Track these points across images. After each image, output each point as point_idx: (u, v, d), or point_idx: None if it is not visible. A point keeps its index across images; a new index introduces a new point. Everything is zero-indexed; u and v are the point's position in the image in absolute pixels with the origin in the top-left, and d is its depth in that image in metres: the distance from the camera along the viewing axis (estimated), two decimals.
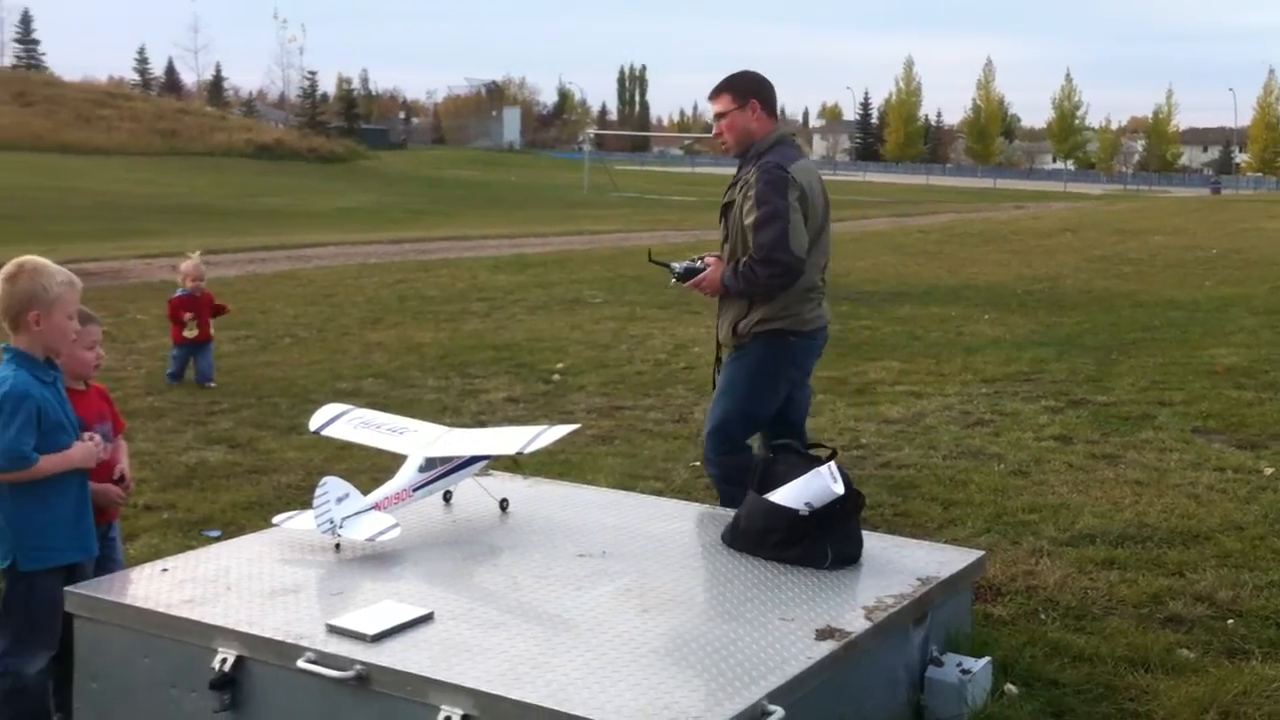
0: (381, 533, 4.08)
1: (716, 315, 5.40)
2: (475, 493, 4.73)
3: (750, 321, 5.18)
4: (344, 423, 4.84)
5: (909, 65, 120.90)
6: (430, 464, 4.48)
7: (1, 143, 52.31)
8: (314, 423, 4.89)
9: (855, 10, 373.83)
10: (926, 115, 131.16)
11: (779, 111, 5.49)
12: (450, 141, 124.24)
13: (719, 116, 5.32)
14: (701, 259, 5.35)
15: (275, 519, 4.40)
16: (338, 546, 4.13)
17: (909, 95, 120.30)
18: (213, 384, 9.82)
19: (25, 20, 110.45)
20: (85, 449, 3.92)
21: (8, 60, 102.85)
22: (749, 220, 5.07)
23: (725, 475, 5.24)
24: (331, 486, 4.12)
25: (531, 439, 4.40)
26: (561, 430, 4.54)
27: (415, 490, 4.42)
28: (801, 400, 5.49)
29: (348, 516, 4.09)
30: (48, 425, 3.83)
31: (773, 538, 4.16)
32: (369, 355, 11.58)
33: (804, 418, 5.56)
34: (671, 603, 3.79)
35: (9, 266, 3.87)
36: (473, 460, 4.63)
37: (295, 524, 4.27)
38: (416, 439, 4.63)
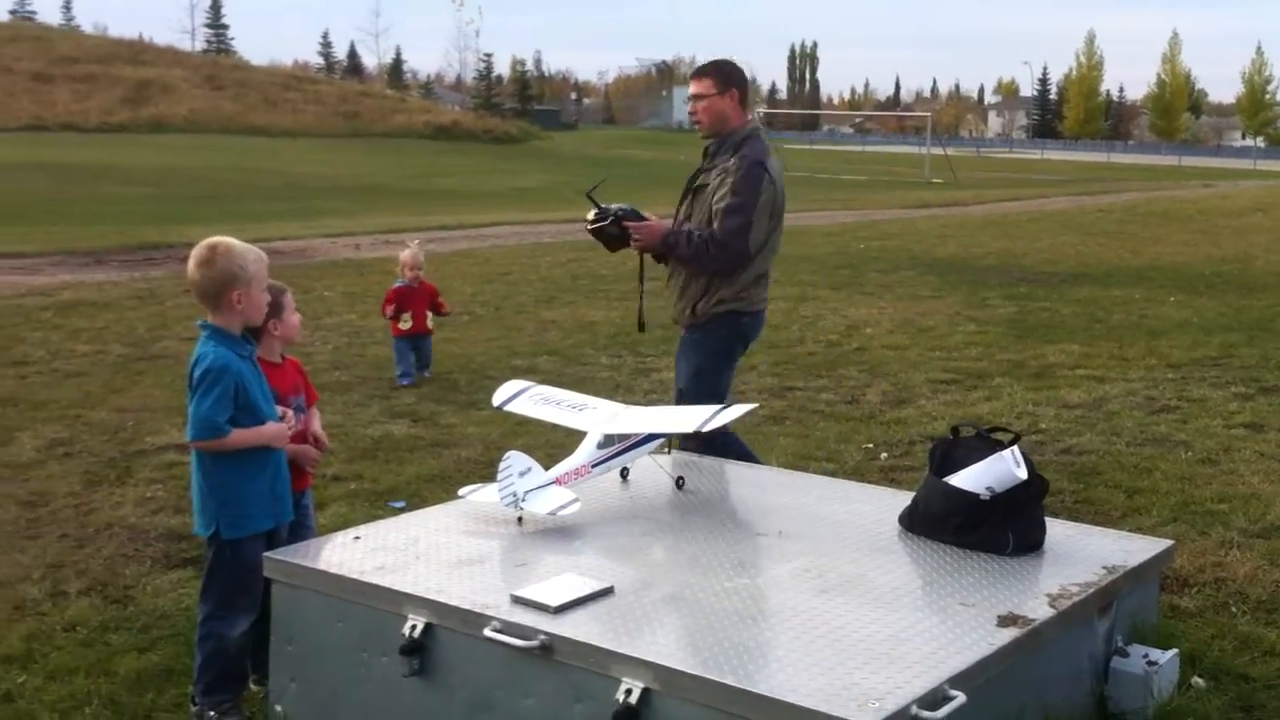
0: (562, 507, 4.16)
1: (675, 295, 5.77)
2: (652, 470, 4.79)
3: (709, 302, 5.57)
4: (525, 399, 4.94)
5: (1090, 39, 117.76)
6: (608, 441, 4.54)
7: (194, 125, 54.38)
8: (497, 398, 5.00)
9: None
10: (1108, 90, 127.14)
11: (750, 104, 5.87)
12: (620, 121, 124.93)
13: (698, 98, 5.62)
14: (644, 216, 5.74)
15: (460, 491, 4.52)
16: (520, 519, 4.23)
17: (1090, 70, 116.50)
18: (428, 375, 9.52)
19: (215, 6, 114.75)
20: (276, 429, 4.08)
21: (199, 45, 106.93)
22: (721, 204, 5.43)
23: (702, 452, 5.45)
24: (515, 461, 4.21)
25: (708, 418, 4.43)
26: (736, 410, 4.57)
27: (594, 466, 4.48)
28: None
29: (530, 490, 4.18)
30: (246, 401, 3.98)
31: (953, 522, 4.11)
32: (544, 333, 11.77)
33: None
34: (849, 584, 3.79)
35: (200, 250, 4.01)
36: (650, 438, 4.68)
37: (479, 497, 4.39)
38: (595, 416, 4.70)
